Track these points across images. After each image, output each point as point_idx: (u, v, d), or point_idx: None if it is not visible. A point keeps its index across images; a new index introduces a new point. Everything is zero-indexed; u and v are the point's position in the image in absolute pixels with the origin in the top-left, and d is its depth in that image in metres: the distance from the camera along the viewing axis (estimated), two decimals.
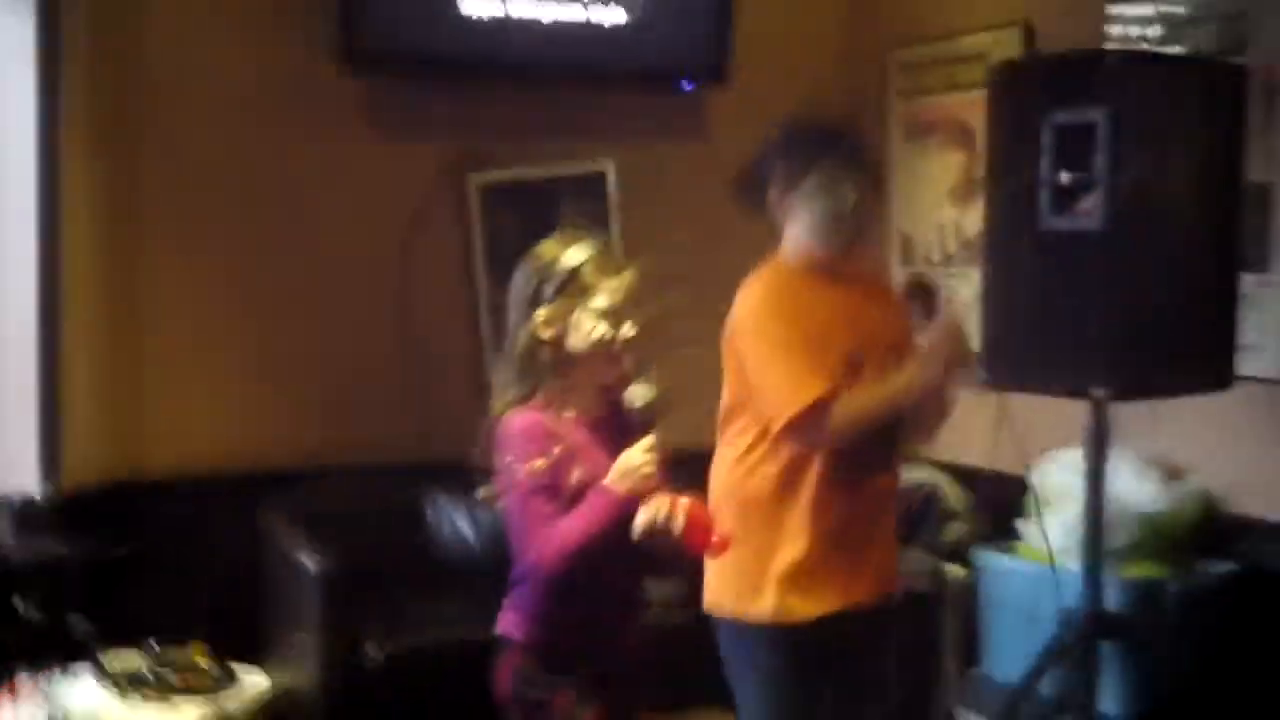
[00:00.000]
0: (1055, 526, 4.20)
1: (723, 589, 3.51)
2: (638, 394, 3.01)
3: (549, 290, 3.01)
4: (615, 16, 5.07)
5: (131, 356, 4.73)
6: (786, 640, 3.42)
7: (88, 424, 4.56)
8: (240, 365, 4.85)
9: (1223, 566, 4.18)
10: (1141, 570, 4.09)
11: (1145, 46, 4.41)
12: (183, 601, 4.56)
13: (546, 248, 3.09)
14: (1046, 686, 3.76)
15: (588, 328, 3.00)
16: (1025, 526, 4.39)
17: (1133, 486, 4.15)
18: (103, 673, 4.18)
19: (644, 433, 2.97)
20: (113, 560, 4.35)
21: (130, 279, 4.73)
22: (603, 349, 3.02)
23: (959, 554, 4.75)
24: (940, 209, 5.22)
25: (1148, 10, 4.44)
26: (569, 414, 3.03)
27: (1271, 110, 4.01)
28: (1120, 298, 3.42)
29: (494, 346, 3.61)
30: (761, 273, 3.50)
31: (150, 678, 4.21)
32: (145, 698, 4.16)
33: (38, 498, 4.38)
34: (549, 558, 2.91)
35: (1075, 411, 3.68)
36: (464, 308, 5.11)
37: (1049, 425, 4.05)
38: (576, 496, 2.93)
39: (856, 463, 3.42)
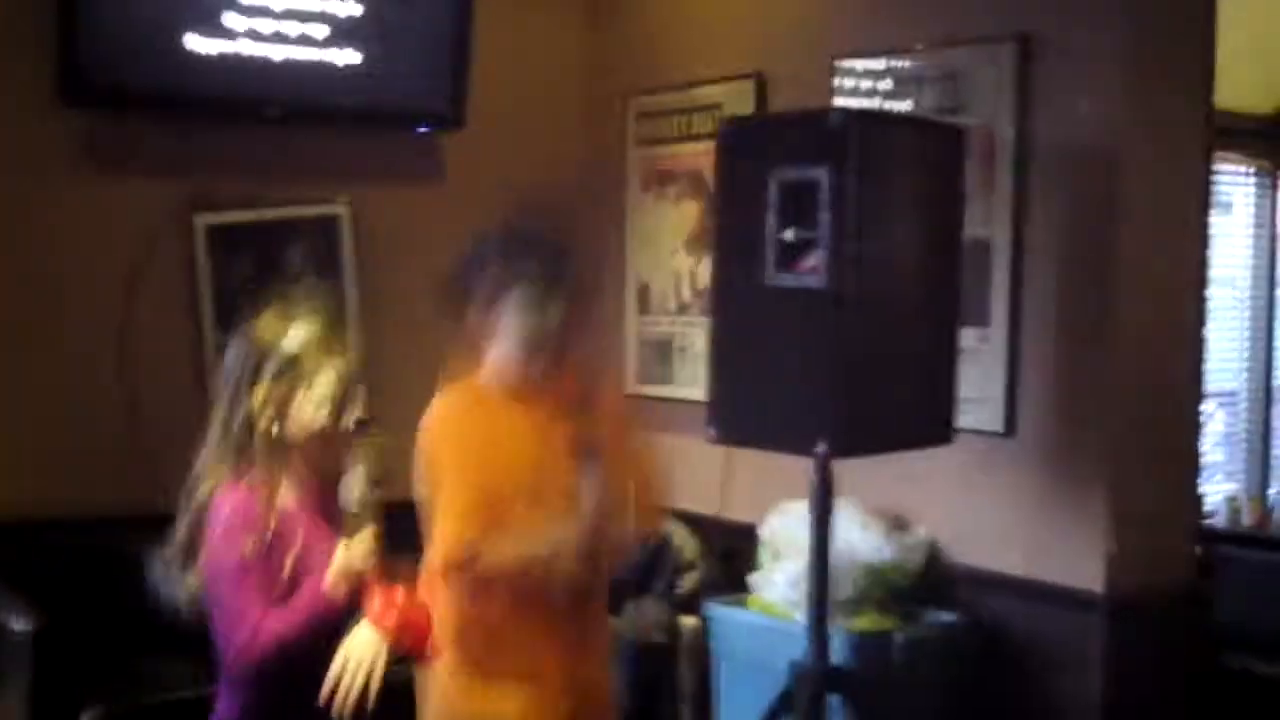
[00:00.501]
0: (783, 578, 4.23)
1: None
2: (355, 488, 2.92)
3: (267, 372, 2.92)
4: (349, 57, 4.95)
5: None
6: None
7: None
8: None
9: (946, 617, 4.24)
10: (868, 622, 4.13)
11: (872, 103, 4.48)
12: None
13: (265, 326, 2.98)
14: None
15: (306, 415, 2.91)
16: (756, 578, 4.40)
17: (859, 538, 4.20)
18: None
19: (358, 527, 2.88)
20: None
21: None
22: (319, 437, 2.93)
23: (692, 604, 4.75)
24: (676, 258, 5.23)
25: (875, 65, 4.52)
26: (283, 496, 2.93)
27: (991, 168, 4.10)
28: (841, 355, 3.45)
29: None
30: (446, 395, 3.37)
31: None
32: None
33: None
34: (256, 650, 2.79)
35: (805, 463, 3.71)
36: (188, 354, 4.92)
37: (781, 475, 4.08)
38: (289, 583, 2.83)
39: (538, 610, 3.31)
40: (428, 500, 3.28)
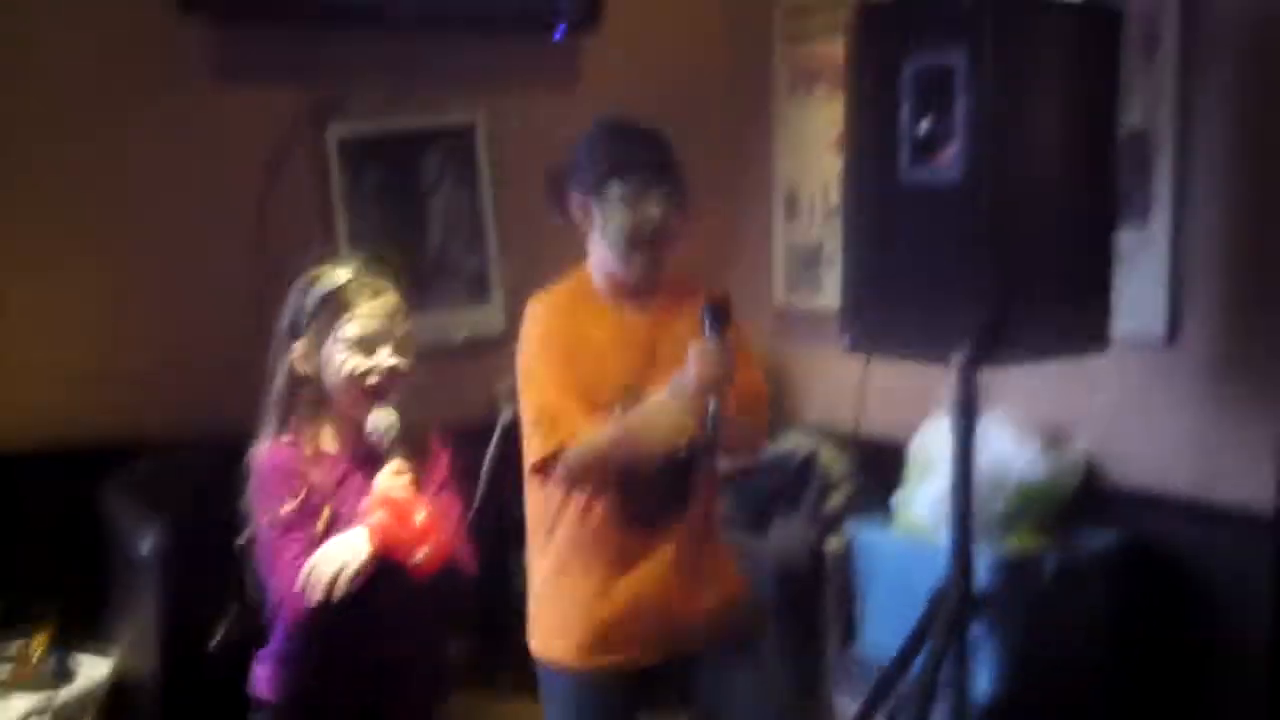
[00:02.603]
0: (927, 495, 4.01)
1: (535, 627, 3.28)
2: (379, 420, 2.77)
3: (304, 318, 2.80)
4: None
5: None
6: (587, 688, 3.19)
7: None
8: (81, 333, 4.52)
9: (1104, 538, 3.98)
10: (1018, 543, 3.89)
11: None
12: (31, 583, 4.30)
13: (315, 270, 2.88)
14: (918, 666, 3.56)
15: (338, 360, 2.78)
16: (901, 496, 4.18)
17: (1010, 453, 3.95)
18: None
19: (388, 459, 2.74)
20: None
21: None
22: (357, 383, 2.78)
23: (838, 524, 4.54)
24: (824, 160, 4.96)
25: None
26: (329, 450, 2.80)
27: (1151, 55, 3.79)
28: (978, 254, 3.20)
29: None
30: (545, 293, 3.23)
31: None
32: None
33: None
34: (300, 605, 2.68)
35: (953, 374, 3.47)
36: None
37: (929, 388, 3.85)
38: (327, 538, 2.71)
39: (642, 502, 3.14)
40: (524, 406, 3.13)
